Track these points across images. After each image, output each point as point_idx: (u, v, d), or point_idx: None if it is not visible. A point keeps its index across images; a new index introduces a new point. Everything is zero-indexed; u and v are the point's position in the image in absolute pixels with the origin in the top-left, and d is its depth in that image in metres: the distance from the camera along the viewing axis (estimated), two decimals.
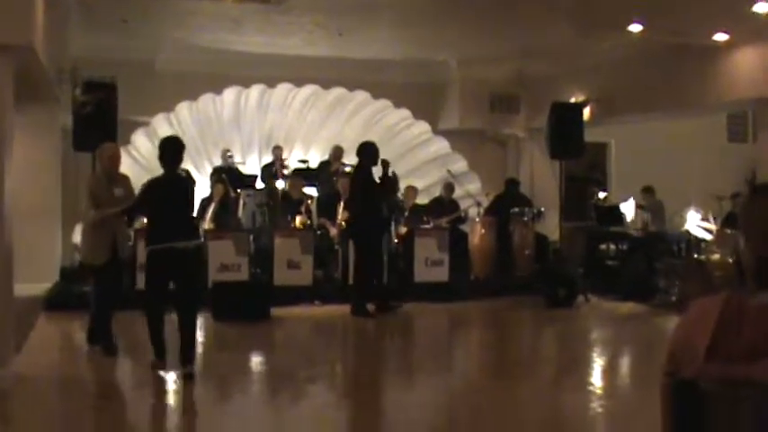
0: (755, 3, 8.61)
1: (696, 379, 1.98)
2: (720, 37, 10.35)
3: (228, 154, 12.51)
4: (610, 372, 7.79)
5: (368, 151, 10.16)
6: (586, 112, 12.94)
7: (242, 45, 12.22)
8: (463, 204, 12.84)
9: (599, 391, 6.81)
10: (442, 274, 11.43)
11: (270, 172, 12.40)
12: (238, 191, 11.93)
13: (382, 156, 10.25)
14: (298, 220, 11.22)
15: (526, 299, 11.20)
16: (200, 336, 8.87)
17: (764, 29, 9.61)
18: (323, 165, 12.75)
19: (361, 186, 10.14)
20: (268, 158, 13.11)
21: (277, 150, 12.67)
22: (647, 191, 12.70)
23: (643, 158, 14.49)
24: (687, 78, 11.49)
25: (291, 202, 11.50)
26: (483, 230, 12.18)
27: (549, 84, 14.05)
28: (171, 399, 6.56)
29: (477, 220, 12.39)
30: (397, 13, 10.11)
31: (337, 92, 13.82)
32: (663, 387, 2.05)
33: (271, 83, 13.43)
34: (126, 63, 11.77)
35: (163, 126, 12.86)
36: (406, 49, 12.63)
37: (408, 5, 9.66)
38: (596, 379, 7.45)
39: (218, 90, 13.25)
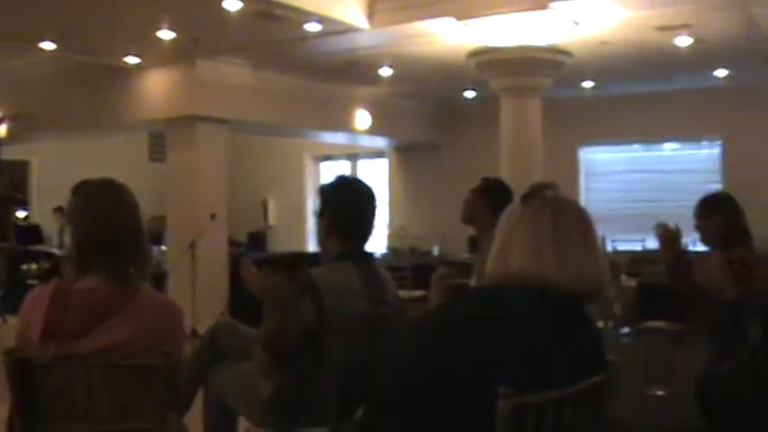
0: (159, 29, 9.37)
1: (34, 357, 2.41)
2: (132, 59, 11.02)
3: None
4: None
5: None
6: (3, 129, 12.85)
7: None
8: None
9: None
10: None
11: None
12: None
13: None
14: None
15: None
16: None
17: (170, 54, 10.46)
18: None
19: None
20: None
21: None
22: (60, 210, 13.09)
23: (69, 176, 14.74)
24: (106, 98, 11.97)
25: None
26: None
27: None
28: None
29: None
30: None
31: None
32: (7, 366, 2.44)
33: None
34: None
35: None
36: None
37: None
38: None
39: None
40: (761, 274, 4.60)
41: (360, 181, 3.76)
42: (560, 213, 2.35)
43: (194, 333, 8.69)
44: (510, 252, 2.33)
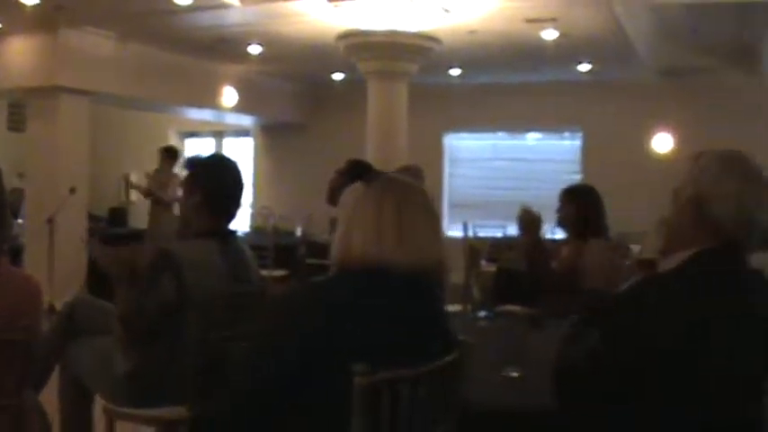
0: None
1: None
2: None
3: None
4: None
5: None
6: None
7: None
8: None
9: None
10: None
11: None
12: None
13: None
14: None
15: None
16: None
17: (33, 21, 10.10)
18: None
19: None
20: None
21: None
22: None
23: None
24: None
25: None
26: None
27: None
28: None
29: None
30: None
31: None
32: None
33: None
34: None
35: None
36: None
37: None
38: None
39: None
40: (618, 264, 4.80)
41: (230, 159, 3.74)
42: (403, 196, 2.40)
43: (51, 309, 8.47)
44: (353, 234, 2.37)
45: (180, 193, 3.75)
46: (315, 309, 2.28)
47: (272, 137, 15.95)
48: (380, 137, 10.44)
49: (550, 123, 14.11)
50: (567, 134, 14.33)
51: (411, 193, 2.43)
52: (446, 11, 9.17)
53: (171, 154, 11.32)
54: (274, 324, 2.41)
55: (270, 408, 2.25)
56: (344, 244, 2.39)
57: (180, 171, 10.88)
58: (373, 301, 2.28)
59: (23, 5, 9.38)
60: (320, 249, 9.69)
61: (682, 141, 12.62)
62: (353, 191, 2.49)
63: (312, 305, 2.31)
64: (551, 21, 9.55)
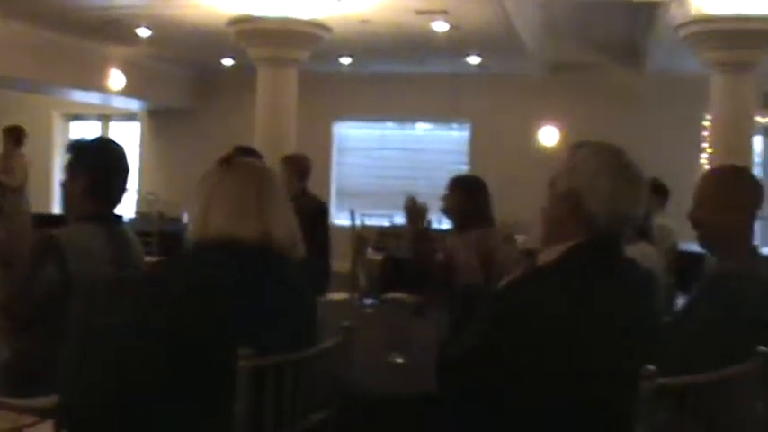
0: None
1: None
2: None
3: None
4: None
5: None
6: None
7: None
8: None
9: None
10: None
11: None
12: None
13: None
14: None
15: None
16: None
17: None
18: None
19: None
20: None
21: None
22: None
23: None
24: None
25: None
26: None
27: None
28: None
29: None
30: None
31: None
32: None
33: None
34: None
35: None
36: None
37: None
38: None
39: None
40: (500, 258, 4.91)
41: (116, 143, 3.69)
42: (263, 179, 2.53)
43: None
44: (211, 213, 2.44)
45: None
46: (171, 287, 2.35)
47: (160, 122, 15.72)
48: (270, 124, 10.40)
49: (439, 114, 14.28)
50: (455, 125, 14.53)
51: (269, 177, 2.58)
52: None
53: (15, 135, 10.62)
54: (134, 305, 2.45)
55: (142, 393, 2.27)
56: (201, 222, 2.47)
57: (22, 152, 10.54)
58: (228, 278, 2.34)
59: None
60: None
61: (568, 135, 12.93)
62: (210, 172, 2.55)
63: (168, 284, 2.38)
64: (442, 13, 9.67)
